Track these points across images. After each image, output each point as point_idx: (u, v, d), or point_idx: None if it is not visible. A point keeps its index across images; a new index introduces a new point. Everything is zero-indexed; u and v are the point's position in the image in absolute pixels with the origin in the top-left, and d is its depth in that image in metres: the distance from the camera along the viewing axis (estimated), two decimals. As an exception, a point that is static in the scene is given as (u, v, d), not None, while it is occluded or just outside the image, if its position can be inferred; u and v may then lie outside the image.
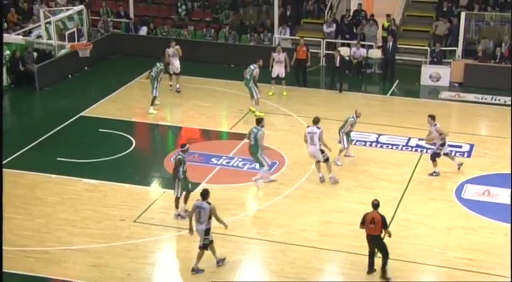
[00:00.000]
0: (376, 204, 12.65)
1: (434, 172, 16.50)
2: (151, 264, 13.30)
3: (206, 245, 12.87)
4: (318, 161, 16.14)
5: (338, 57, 22.37)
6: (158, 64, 20.16)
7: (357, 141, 18.53)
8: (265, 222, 14.72)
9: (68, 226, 14.39)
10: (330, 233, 14.30)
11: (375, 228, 12.52)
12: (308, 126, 16.39)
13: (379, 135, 18.86)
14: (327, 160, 16.05)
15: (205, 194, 12.80)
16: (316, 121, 16.24)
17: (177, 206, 14.69)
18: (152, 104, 20.11)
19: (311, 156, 16.12)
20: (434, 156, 16.44)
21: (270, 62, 21.56)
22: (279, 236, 14.15)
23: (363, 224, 12.67)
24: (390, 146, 18.30)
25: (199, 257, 12.92)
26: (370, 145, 18.41)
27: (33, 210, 14.99)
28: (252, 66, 19.96)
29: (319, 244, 13.85)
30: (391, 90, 22.74)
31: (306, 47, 22.65)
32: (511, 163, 15.95)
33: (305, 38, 25.03)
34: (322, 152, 16.04)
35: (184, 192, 14.68)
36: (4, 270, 12.80)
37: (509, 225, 13.92)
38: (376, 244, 12.73)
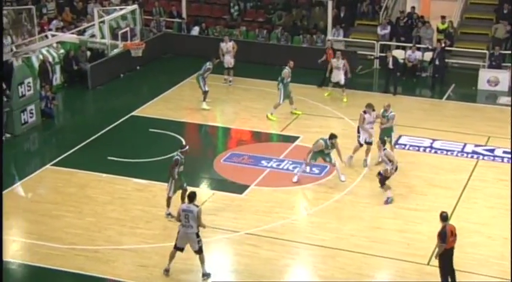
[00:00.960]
0: (445, 216, 12.21)
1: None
2: (199, 266, 13.36)
3: (201, 247, 12.63)
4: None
5: (391, 59, 22.16)
6: (208, 63, 20.34)
7: (410, 146, 18.34)
8: (315, 226, 14.68)
9: (117, 225, 14.60)
10: (380, 240, 14.16)
11: (455, 240, 12.22)
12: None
13: (434, 140, 18.60)
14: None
15: (192, 197, 12.60)
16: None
17: (168, 205, 14.74)
18: (204, 99, 20.35)
19: None
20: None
21: (329, 67, 21.44)
22: (329, 241, 14.09)
23: (444, 238, 11.99)
24: (445, 152, 18.03)
25: (203, 261, 12.75)
26: (424, 150, 18.17)
27: (84, 209, 15.26)
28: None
29: (369, 250, 13.73)
30: (447, 94, 22.40)
31: (332, 49, 22.53)
32: (511, 164, 15.42)
33: (358, 40, 24.96)
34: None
35: (176, 192, 14.66)
36: (54, 267, 13.24)
37: None
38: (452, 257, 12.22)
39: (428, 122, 19.76)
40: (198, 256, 12.78)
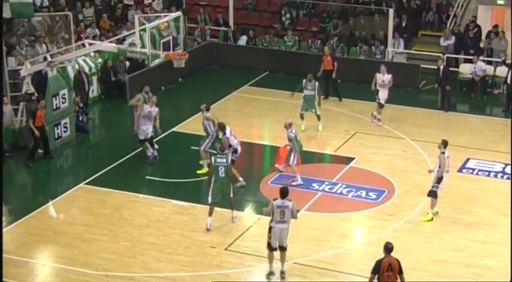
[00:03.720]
0: (390, 248, 11.82)
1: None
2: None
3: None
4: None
5: (441, 68, 21.78)
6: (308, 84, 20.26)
7: (480, 170, 18.05)
8: (371, 257, 14.41)
9: (154, 251, 14.67)
10: (444, 274, 13.92)
11: (392, 275, 11.78)
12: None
13: (506, 165, 18.25)
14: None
15: (286, 192, 13.31)
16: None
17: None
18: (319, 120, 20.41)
19: None
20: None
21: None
22: (386, 274, 13.89)
23: (375, 270, 11.77)
24: (519, 178, 17.68)
25: (284, 259, 13.56)
26: (495, 176, 17.86)
27: (119, 232, 15.39)
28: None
29: (431, 286, 13.51)
30: (522, 113, 21.99)
31: (331, 56, 22.57)
32: (511, 166, 15.07)
33: (422, 52, 24.75)
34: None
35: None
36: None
37: None
38: None
39: (501, 145, 19.40)
40: (280, 253, 13.48)
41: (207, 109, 18.15)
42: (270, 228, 13.47)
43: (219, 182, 15.21)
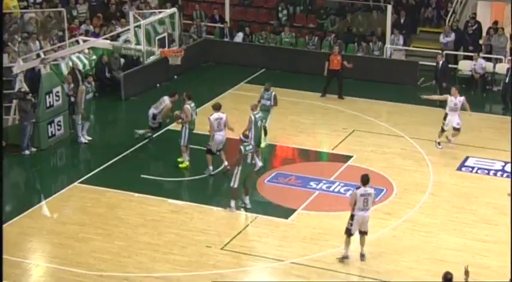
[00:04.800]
0: (449, 279, 11.42)
1: None
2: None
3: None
4: None
5: (440, 63, 21.78)
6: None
7: (479, 169, 18.07)
8: (369, 257, 14.51)
9: (149, 251, 14.66)
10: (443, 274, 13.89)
11: None
12: None
13: (506, 163, 18.27)
14: None
15: (367, 180, 13.87)
16: None
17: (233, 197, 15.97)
18: None
19: None
20: None
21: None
22: (384, 273, 13.93)
23: None
24: (518, 176, 17.70)
25: (364, 242, 14.16)
26: (495, 174, 17.88)
27: (113, 232, 15.38)
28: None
29: (430, 285, 13.52)
30: (521, 111, 22.01)
31: (340, 56, 22.49)
32: (511, 166, 15.15)
33: (420, 49, 24.74)
34: None
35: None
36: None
37: None
38: None
39: (500, 143, 19.41)
40: (361, 237, 14.08)
41: (189, 97, 18.29)
42: (352, 215, 13.94)
43: (246, 169, 15.86)
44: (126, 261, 14.32)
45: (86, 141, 19.59)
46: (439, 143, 19.11)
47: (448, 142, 19.26)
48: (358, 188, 13.91)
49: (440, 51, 23.22)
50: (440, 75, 21.97)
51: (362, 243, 14.21)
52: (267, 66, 25.21)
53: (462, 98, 18.92)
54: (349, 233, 14.05)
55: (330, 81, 22.61)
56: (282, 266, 14.15)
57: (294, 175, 17.69)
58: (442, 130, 19.07)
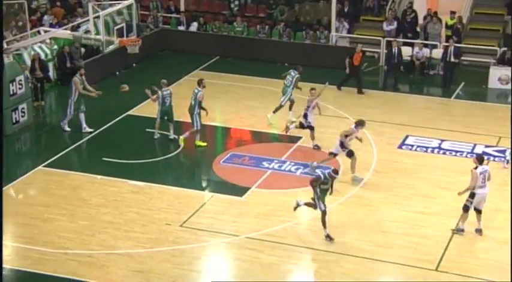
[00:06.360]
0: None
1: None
2: (198, 272, 13.38)
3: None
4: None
5: (396, 49, 22.04)
6: (292, 72, 19.66)
7: (418, 146, 18.31)
8: (318, 230, 14.61)
9: (111, 229, 14.57)
10: (386, 244, 14.12)
11: None
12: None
13: (442, 140, 18.57)
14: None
15: (482, 159, 14.27)
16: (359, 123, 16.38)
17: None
18: (275, 111, 19.59)
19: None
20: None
21: None
22: (332, 245, 14.05)
23: None
24: (453, 153, 17.99)
25: (480, 219, 14.32)
26: (432, 151, 18.14)
27: (77, 212, 15.23)
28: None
29: (374, 255, 13.70)
30: (456, 93, 22.36)
31: (362, 53, 22.42)
32: (511, 162, 15.44)
33: (363, 36, 24.91)
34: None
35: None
36: (45, 272, 13.19)
37: None
38: None
39: (437, 122, 19.73)
40: (477, 214, 14.25)
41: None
42: (473, 194, 14.01)
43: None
44: (89, 239, 14.20)
45: (90, 130, 18.90)
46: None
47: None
48: (476, 168, 14.02)
49: (392, 39, 23.38)
50: (398, 60, 22.23)
51: (479, 219, 14.31)
52: (220, 54, 25.13)
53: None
54: (466, 209, 14.17)
55: (350, 77, 22.13)
56: (237, 241, 14.19)
57: (247, 156, 17.72)
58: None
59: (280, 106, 19.65)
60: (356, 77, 22.20)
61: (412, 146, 18.38)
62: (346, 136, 16.37)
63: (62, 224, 14.71)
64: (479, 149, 18.05)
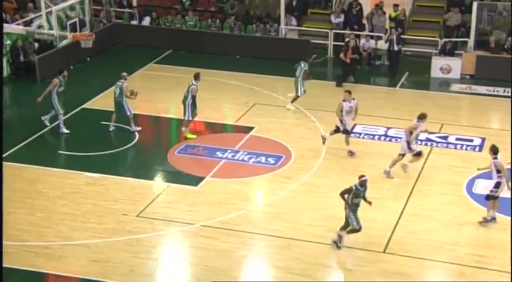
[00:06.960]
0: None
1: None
2: (155, 260, 13.37)
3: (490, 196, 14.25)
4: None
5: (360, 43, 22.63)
6: (303, 64, 19.88)
7: (365, 134, 18.56)
8: (271, 217, 14.77)
9: (68, 220, 14.46)
10: (336, 228, 14.28)
11: None
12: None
13: (388, 128, 18.86)
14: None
15: (497, 149, 14.18)
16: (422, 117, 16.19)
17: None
18: (293, 101, 19.94)
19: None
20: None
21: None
22: (285, 231, 14.19)
23: None
24: (399, 140, 18.21)
25: (492, 207, 14.34)
26: (379, 139, 18.41)
27: (34, 204, 15.07)
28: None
29: (325, 239, 13.86)
30: (400, 82, 22.71)
31: (357, 47, 22.60)
32: (511, 157, 15.89)
33: (312, 29, 25.06)
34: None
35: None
36: (4, 265, 12.98)
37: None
38: None
39: (383, 110, 20.02)
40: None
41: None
42: (499, 183, 14.10)
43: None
44: (47, 231, 14.08)
45: (67, 132, 18.44)
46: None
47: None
48: (495, 158, 14.11)
49: (329, 31, 23.54)
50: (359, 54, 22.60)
51: (492, 207, 14.48)
52: (173, 47, 25.04)
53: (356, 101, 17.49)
54: (494, 198, 14.26)
55: (347, 72, 22.24)
56: (192, 229, 14.23)
57: (201, 146, 17.73)
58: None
59: (297, 97, 19.93)
60: (344, 70, 22.34)
61: (360, 133, 18.62)
62: (411, 132, 16.10)
63: (19, 217, 14.53)
64: (423, 136, 18.35)
